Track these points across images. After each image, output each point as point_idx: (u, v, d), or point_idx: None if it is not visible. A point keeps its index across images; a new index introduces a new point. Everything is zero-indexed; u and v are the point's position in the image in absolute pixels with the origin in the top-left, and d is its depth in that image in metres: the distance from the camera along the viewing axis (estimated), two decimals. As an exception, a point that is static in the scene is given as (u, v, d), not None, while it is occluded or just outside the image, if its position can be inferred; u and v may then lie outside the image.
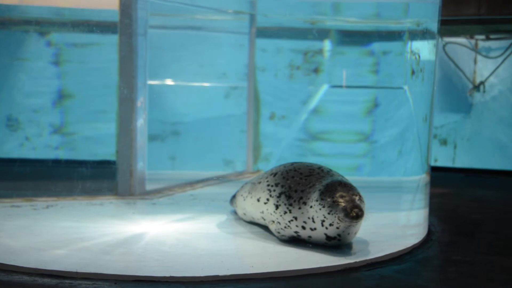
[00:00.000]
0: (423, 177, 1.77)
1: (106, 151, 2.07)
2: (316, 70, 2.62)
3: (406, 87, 1.89)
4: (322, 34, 2.58)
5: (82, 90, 2.14)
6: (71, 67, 2.14)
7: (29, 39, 2.06)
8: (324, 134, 2.57)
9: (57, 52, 2.09)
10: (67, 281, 1.21)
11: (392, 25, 2.37)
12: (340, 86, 2.54)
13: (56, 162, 2.05)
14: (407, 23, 1.93)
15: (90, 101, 2.15)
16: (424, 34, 1.77)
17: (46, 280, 1.22)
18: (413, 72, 1.78)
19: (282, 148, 2.57)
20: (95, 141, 2.14)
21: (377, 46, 2.53)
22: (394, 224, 1.79)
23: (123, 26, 1.95)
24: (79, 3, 2.00)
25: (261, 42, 2.62)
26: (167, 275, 1.24)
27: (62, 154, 2.12)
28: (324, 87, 2.55)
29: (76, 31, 2.04)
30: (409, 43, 1.84)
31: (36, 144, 2.08)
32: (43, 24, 2.06)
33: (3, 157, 2.04)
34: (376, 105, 2.54)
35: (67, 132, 2.12)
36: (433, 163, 3.07)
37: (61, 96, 2.12)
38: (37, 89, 2.08)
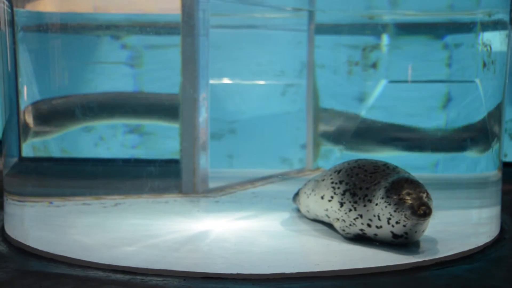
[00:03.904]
0: (494, 173, 1.70)
1: (173, 150, 2.11)
2: (374, 65, 2.57)
3: (477, 80, 1.82)
4: (380, 28, 2.52)
5: (152, 91, 2.19)
6: (143, 68, 2.20)
7: (103, 43, 2.14)
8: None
9: (131, 55, 2.16)
10: (138, 277, 1.26)
11: (463, 17, 2.27)
12: (399, 81, 2.47)
13: (127, 161, 2.12)
14: (478, 14, 1.85)
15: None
16: (495, 25, 1.69)
17: (119, 276, 1.26)
18: (484, 65, 1.71)
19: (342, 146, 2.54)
20: (164, 139, 2.19)
21: (449, 39, 2.43)
22: (464, 222, 1.73)
23: (186, 27, 1.99)
24: (147, 9, 2.07)
25: (318, 39, 2.60)
26: (234, 272, 1.25)
27: (135, 153, 2.19)
28: (383, 82, 2.50)
29: (149, 34, 2.10)
30: (480, 34, 1.77)
31: (110, 144, 2.15)
32: (116, 29, 2.13)
33: (78, 156, 2.12)
34: (449, 99, 2.45)
35: (142, 132, 2.19)
36: (503, 159, 2.94)
37: None
38: (111, 90, 2.16)
